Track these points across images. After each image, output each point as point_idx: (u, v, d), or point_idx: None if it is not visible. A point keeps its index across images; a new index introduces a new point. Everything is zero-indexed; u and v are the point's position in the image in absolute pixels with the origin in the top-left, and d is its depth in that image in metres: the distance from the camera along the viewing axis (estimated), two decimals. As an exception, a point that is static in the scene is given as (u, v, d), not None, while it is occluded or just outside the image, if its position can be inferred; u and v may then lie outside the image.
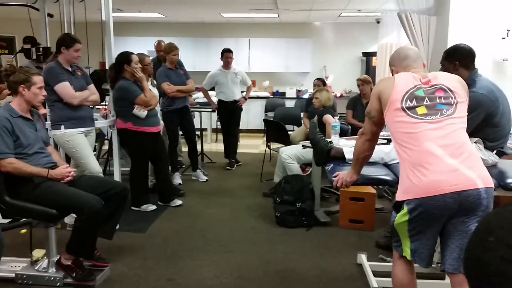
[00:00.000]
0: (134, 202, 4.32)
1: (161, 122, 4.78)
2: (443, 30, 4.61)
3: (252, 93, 7.28)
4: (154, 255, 3.33)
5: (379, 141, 2.53)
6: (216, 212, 4.39)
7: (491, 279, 0.61)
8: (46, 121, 3.48)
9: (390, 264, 2.25)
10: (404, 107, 1.95)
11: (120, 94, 4.01)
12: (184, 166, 5.90)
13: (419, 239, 1.93)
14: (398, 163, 2.08)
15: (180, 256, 3.33)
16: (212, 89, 6.21)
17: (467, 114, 1.99)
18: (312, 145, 3.10)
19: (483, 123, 2.58)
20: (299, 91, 9.62)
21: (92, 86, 3.71)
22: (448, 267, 1.91)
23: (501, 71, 4.50)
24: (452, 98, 1.95)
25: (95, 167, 3.56)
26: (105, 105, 4.25)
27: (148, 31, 9.65)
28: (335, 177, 2.47)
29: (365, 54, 9.27)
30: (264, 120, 6.15)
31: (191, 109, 5.67)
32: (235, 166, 6.26)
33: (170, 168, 4.96)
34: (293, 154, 4.58)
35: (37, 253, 2.99)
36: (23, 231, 3.54)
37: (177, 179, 5.31)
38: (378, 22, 8.60)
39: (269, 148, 5.76)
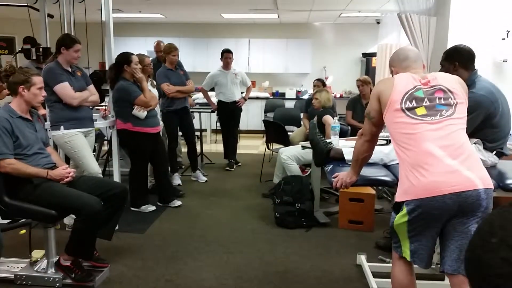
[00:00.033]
0: (133, 203, 4.32)
1: (161, 122, 4.78)
2: (443, 31, 4.62)
3: (251, 94, 7.27)
4: (154, 256, 3.33)
5: (379, 142, 2.53)
6: (216, 212, 4.39)
7: (492, 280, 0.61)
8: (46, 121, 3.47)
9: (390, 265, 2.24)
10: (404, 108, 1.95)
11: (120, 94, 4.00)
12: (183, 166, 5.90)
13: (419, 240, 1.93)
14: (397, 164, 2.08)
15: (179, 257, 3.32)
16: (212, 89, 6.21)
17: (466, 115, 1.99)
18: (312, 146, 3.10)
19: (483, 124, 2.58)
20: (298, 91, 9.63)
21: (91, 87, 3.71)
22: (448, 268, 1.91)
23: (501, 72, 4.50)
24: (451, 99, 1.95)
25: (94, 167, 3.56)
26: (105, 105, 4.25)
27: (148, 31, 9.66)
28: (334, 178, 2.46)
29: (365, 54, 9.28)
30: (263, 120, 6.15)
31: (191, 110, 5.67)
32: (234, 166, 6.26)
33: (169, 169, 4.96)
34: (293, 155, 4.58)
35: (36, 253, 2.99)
36: (22, 231, 3.54)
37: (177, 180, 5.30)
38: (378, 23, 8.62)
39: (268, 148, 5.76)
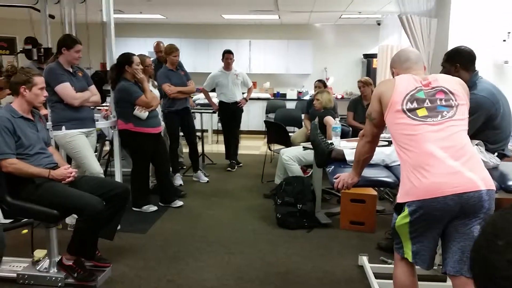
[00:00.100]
0: (135, 203, 4.32)
1: (162, 123, 4.79)
2: (443, 32, 4.62)
3: (253, 95, 7.28)
4: (155, 256, 3.34)
5: (380, 143, 2.53)
6: (217, 213, 4.39)
7: (498, 281, 0.62)
8: (47, 121, 3.48)
9: (392, 266, 2.25)
10: (405, 109, 1.95)
11: (121, 95, 4.01)
12: (185, 167, 5.90)
13: (421, 241, 1.93)
14: (399, 165, 2.08)
15: (181, 257, 3.33)
16: (213, 90, 6.22)
17: (468, 116, 1.99)
18: (313, 146, 3.10)
19: (484, 126, 2.58)
20: (300, 92, 9.63)
21: (93, 87, 3.72)
22: (450, 269, 1.91)
23: (502, 74, 4.50)
24: (452, 100, 1.96)
25: (96, 168, 3.57)
26: (106, 106, 4.26)
27: (149, 32, 9.66)
28: (336, 178, 2.47)
29: (366, 56, 9.28)
30: (265, 121, 6.16)
31: (192, 110, 5.68)
32: (236, 167, 6.26)
33: (171, 169, 4.96)
34: (294, 156, 4.58)
35: (39, 253, 3.00)
36: (25, 231, 3.54)
37: (178, 180, 5.31)
38: (378, 24, 8.61)
39: (270, 149, 5.76)
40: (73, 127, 3.52)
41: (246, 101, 6.26)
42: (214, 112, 6.59)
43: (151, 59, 4.84)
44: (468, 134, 1.97)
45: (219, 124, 7.02)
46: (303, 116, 6.06)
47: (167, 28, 9.86)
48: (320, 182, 4.14)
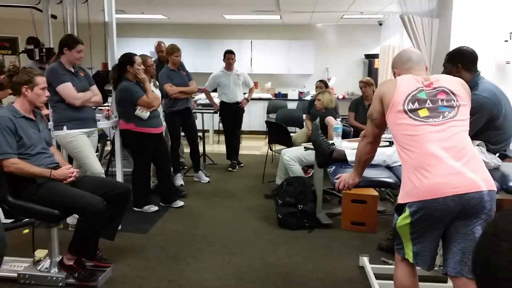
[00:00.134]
0: (136, 203, 4.33)
1: (164, 123, 4.79)
2: (445, 33, 4.61)
3: (254, 95, 7.29)
4: (156, 256, 3.34)
5: (381, 144, 2.53)
6: (218, 213, 4.39)
7: (499, 282, 0.62)
8: (49, 121, 3.49)
9: (392, 266, 2.25)
10: (406, 110, 1.95)
11: (123, 95, 4.02)
12: (186, 167, 5.90)
13: (421, 242, 1.93)
14: (400, 165, 2.08)
15: (182, 257, 3.33)
16: (215, 90, 6.22)
17: (469, 117, 1.99)
18: (314, 147, 3.10)
19: (486, 126, 2.57)
20: (301, 93, 9.63)
21: (94, 87, 3.72)
22: (451, 270, 1.91)
23: (503, 74, 4.49)
24: (454, 101, 1.95)
25: (97, 168, 3.57)
26: (108, 106, 4.26)
27: (151, 32, 9.67)
28: (337, 179, 2.47)
29: (368, 56, 9.27)
30: (266, 121, 6.16)
31: (193, 111, 5.68)
32: (237, 167, 6.26)
33: (172, 169, 4.96)
34: (295, 156, 4.58)
35: (40, 253, 3.00)
36: (26, 231, 3.55)
37: (179, 180, 5.31)
38: (380, 24, 8.59)
39: (271, 149, 5.76)
40: (74, 127, 3.52)
41: (248, 101, 6.27)
42: (215, 112, 6.59)
43: (153, 59, 4.84)
44: (469, 134, 1.97)
45: (220, 124, 7.03)
46: (304, 116, 6.05)
47: (168, 28, 9.87)
48: (321, 183, 4.14)
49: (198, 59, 9.38)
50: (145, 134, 4.12)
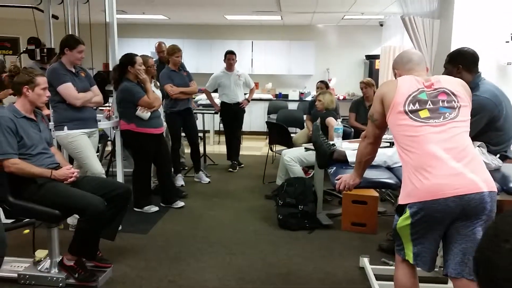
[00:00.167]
0: (136, 203, 4.33)
1: (164, 123, 4.79)
2: (446, 34, 4.61)
3: (255, 95, 7.29)
4: (156, 257, 3.34)
5: (382, 144, 2.53)
6: (218, 214, 4.39)
7: (500, 283, 0.62)
8: (50, 122, 3.49)
9: (393, 267, 2.25)
10: (407, 110, 1.95)
11: (124, 95, 4.02)
12: (186, 167, 5.91)
13: (422, 243, 1.93)
14: (401, 166, 2.08)
15: (182, 258, 3.33)
16: (215, 91, 6.22)
17: (470, 118, 1.99)
18: (315, 147, 3.10)
19: (486, 127, 2.57)
20: (302, 93, 9.62)
21: (95, 88, 3.72)
22: (451, 271, 1.91)
23: (504, 75, 4.49)
24: (455, 102, 1.95)
25: (97, 168, 3.57)
26: (109, 106, 4.27)
27: (152, 32, 9.67)
28: (337, 180, 2.47)
29: (368, 57, 9.27)
30: (266, 122, 6.16)
31: (194, 111, 5.68)
32: (237, 168, 6.26)
33: (172, 170, 4.96)
34: (296, 157, 4.58)
35: (40, 253, 3.00)
36: (26, 231, 3.55)
37: (180, 181, 5.31)
38: (381, 25, 8.61)
39: (271, 150, 5.76)
40: (75, 128, 3.52)
41: (248, 101, 6.27)
42: (216, 113, 6.59)
43: (154, 59, 4.84)
44: (470, 135, 1.97)
45: (221, 125, 7.02)
46: (305, 117, 6.05)
47: (169, 29, 9.87)
48: (322, 183, 4.14)
49: (199, 59, 9.38)
50: (145, 134, 4.12)
